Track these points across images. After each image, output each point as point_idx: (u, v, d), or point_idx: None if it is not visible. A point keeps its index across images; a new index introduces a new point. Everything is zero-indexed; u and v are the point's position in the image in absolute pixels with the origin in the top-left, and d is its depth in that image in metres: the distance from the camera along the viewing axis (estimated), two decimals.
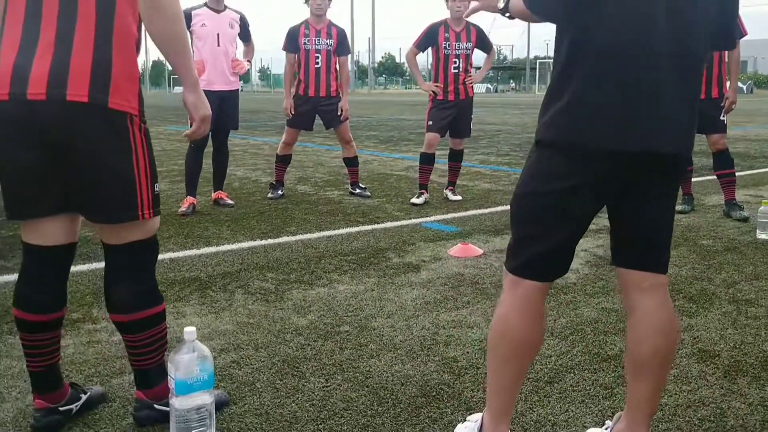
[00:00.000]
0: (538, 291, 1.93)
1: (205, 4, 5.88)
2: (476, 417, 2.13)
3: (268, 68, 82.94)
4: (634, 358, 1.98)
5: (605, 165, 1.78)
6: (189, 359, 2.14)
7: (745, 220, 5.39)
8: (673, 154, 1.81)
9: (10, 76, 1.92)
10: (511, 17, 1.88)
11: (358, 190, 6.76)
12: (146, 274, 2.19)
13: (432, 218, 5.66)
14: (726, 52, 5.51)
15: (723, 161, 5.66)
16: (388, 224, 5.42)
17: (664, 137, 1.77)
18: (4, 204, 2.10)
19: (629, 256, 1.95)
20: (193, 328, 2.16)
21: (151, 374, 2.26)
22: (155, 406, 2.27)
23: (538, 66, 74.99)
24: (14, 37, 1.95)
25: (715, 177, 5.97)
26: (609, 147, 1.75)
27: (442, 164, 7.00)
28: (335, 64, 6.47)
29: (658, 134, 1.76)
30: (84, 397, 2.35)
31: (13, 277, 3.95)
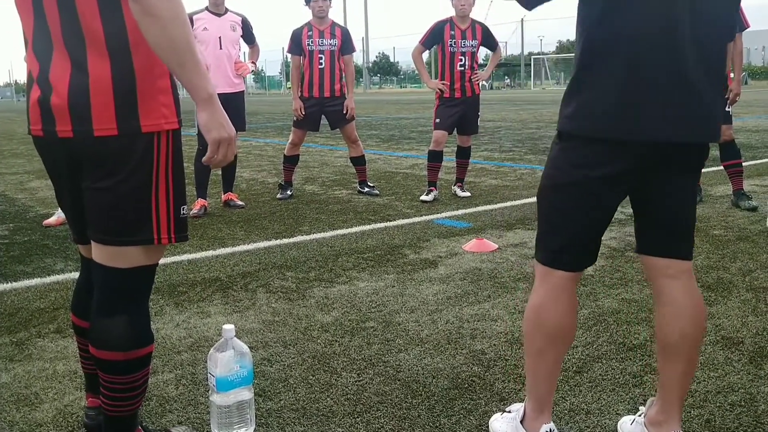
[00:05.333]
0: (571, 281, 1.96)
1: (206, 8, 5.91)
2: (516, 407, 2.16)
3: (262, 70, 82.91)
4: (663, 342, 2.00)
5: (632, 155, 1.80)
6: (229, 356, 2.17)
7: (754, 209, 5.43)
8: (701, 144, 1.84)
9: (38, 109, 1.79)
10: None
11: (366, 189, 6.80)
12: (146, 305, 1.96)
13: (443, 215, 5.69)
14: (728, 45, 5.55)
15: (730, 152, 5.69)
16: (400, 221, 5.45)
17: (693, 127, 1.79)
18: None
19: (655, 244, 1.97)
20: (231, 326, 2.20)
21: (127, 422, 1.98)
22: None
23: (532, 62, 75.10)
24: (33, 61, 1.78)
25: (720, 168, 6.01)
26: (639, 138, 1.77)
27: (448, 161, 7.03)
28: (340, 64, 6.51)
29: (686, 124, 1.78)
30: None
31: (34, 281, 4.01)
